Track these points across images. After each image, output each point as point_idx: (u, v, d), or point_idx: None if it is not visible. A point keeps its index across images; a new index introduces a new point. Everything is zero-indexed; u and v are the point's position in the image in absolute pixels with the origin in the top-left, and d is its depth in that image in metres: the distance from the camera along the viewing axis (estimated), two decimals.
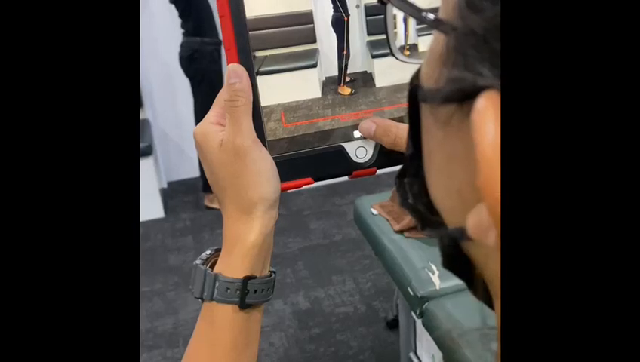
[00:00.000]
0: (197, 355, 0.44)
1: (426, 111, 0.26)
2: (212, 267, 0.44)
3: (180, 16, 2.96)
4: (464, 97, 0.21)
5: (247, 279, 0.43)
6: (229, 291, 0.42)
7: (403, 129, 0.44)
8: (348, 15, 0.47)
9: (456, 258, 0.26)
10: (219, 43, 2.97)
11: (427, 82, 0.25)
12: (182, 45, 2.98)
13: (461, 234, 0.24)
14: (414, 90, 0.27)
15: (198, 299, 0.44)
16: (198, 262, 0.45)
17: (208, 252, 0.46)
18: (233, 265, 0.43)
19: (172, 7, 2.93)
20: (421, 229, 0.29)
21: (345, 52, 0.47)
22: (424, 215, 0.28)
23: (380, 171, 0.48)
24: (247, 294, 0.43)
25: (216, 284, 0.42)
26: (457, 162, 0.24)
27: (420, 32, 0.42)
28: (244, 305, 0.43)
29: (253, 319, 0.44)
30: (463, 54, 0.21)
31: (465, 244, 0.26)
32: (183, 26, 2.98)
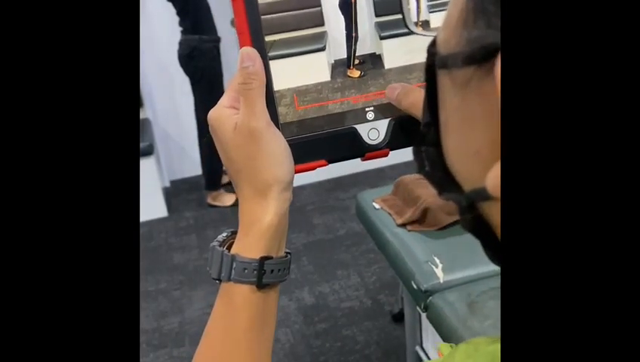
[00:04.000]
0: (215, 335, 0.44)
1: (443, 78, 0.27)
2: (229, 248, 0.45)
3: (178, 14, 2.96)
4: (487, 55, 0.22)
5: (263, 259, 0.43)
6: (246, 271, 0.43)
7: (421, 94, 0.45)
8: None
9: (474, 219, 0.27)
10: (217, 40, 2.97)
11: (445, 48, 0.26)
12: (180, 43, 2.97)
13: (479, 194, 0.25)
14: (432, 58, 0.27)
15: (216, 280, 0.44)
16: (215, 244, 0.45)
17: (225, 234, 0.46)
18: (250, 246, 0.43)
19: (169, 5, 2.93)
20: (439, 195, 0.29)
21: (354, 34, 0.48)
22: (442, 181, 0.29)
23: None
24: (264, 274, 0.43)
25: (234, 265, 0.43)
26: (476, 124, 0.24)
27: (432, 9, 0.43)
28: (261, 285, 0.43)
29: (270, 299, 0.45)
30: (482, 13, 0.22)
31: (482, 205, 0.27)
32: (181, 24, 2.98)
